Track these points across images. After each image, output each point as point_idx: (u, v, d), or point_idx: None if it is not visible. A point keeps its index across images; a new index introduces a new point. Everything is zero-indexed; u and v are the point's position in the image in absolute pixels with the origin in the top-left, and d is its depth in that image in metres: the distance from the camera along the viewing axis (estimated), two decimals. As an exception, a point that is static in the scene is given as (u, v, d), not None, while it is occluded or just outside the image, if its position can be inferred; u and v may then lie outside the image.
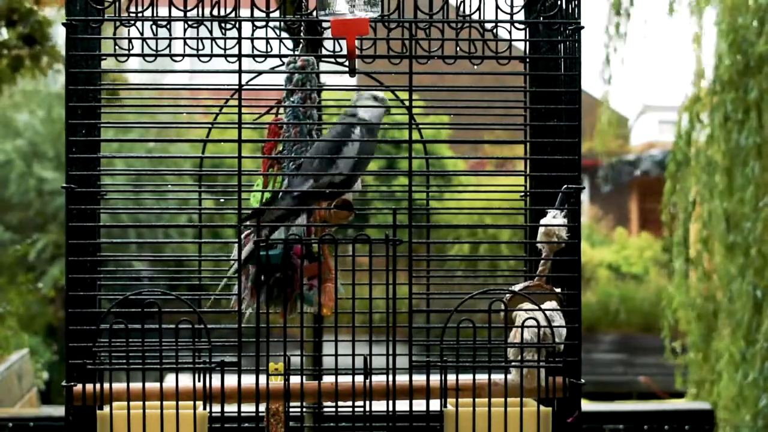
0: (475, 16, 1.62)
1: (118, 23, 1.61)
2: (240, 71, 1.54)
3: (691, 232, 5.83)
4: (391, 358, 1.52)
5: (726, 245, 5.38)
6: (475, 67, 1.67)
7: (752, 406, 4.98)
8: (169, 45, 1.61)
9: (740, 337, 5.16)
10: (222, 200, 1.87)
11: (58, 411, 3.85)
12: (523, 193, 1.75)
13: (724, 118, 5.35)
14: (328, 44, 1.76)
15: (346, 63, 1.60)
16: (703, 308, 5.73)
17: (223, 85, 1.65)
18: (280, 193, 1.65)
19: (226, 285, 1.72)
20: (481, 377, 1.53)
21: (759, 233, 5.10)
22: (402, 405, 1.54)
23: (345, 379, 1.56)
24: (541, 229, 1.61)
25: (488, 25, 1.63)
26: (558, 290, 1.61)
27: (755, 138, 5.15)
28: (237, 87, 1.54)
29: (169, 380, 1.54)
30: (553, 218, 1.60)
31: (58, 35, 4.39)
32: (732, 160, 5.34)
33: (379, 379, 1.55)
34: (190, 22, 1.59)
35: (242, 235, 1.60)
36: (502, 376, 1.54)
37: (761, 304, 5.09)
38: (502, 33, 1.64)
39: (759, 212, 5.11)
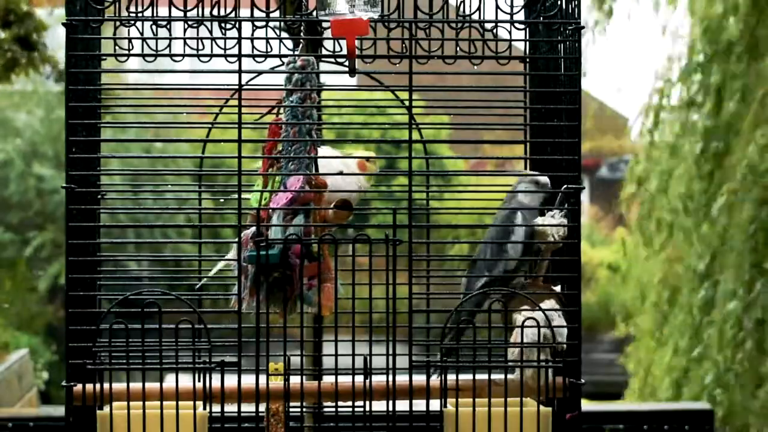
0: (475, 16, 1.62)
1: (118, 23, 1.61)
2: (240, 71, 1.54)
3: (653, 216, 5.91)
4: (391, 358, 1.52)
5: (682, 229, 5.45)
6: (475, 67, 1.67)
7: (698, 384, 5.07)
8: (169, 45, 1.61)
9: (691, 321, 5.24)
10: (222, 200, 1.87)
11: (58, 411, 3.84)
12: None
13: (688, 102, 5.44)
14: (328, 44, 1.76)
15: (346, 63, 1.60)
16: (658, 295, 5.80)
17: (223, 85, 1.65)
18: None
19: (225, 285, 1.72)
20: (481, 377, 1.53)
21: (716, 216, 5.15)
22: (402, 405, 1.54)
23: (345, 379, 1.56)
24: (537, 229, 1.61)
25: (488, 25, 1.63)
26: (557, 290, 1.62)
27: (710, 121, 5.22)
28: (237, 87, 1.54)
29: (169, 380, 1.54)
30: (552, 218, 1.61)
31: (53, 38, 4.39)
32: (690, 143, 5.42)
33: (379, 379, 1.55)
34: (190, 22, 1.59)
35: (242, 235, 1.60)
36: (501, 376, 1.54)
37: (703, 280, 5.16)
38: (502, 33, 1.64)
39: (719, 195, 5.15)
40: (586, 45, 5.97)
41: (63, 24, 1.56)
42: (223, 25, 1.59)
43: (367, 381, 1.55)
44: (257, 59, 1.63)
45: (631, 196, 6.05)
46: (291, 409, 1.63)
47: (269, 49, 1.69)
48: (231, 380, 1.52)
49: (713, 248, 5.19)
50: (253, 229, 1.60)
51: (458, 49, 1.66)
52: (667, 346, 5.57)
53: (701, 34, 5.37)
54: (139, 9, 1.58)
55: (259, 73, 1.65)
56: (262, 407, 1.58)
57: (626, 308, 6.24)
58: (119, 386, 1.51)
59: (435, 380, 1.53)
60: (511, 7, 1.60)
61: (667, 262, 5.81)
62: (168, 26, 1.60)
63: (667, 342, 5.60)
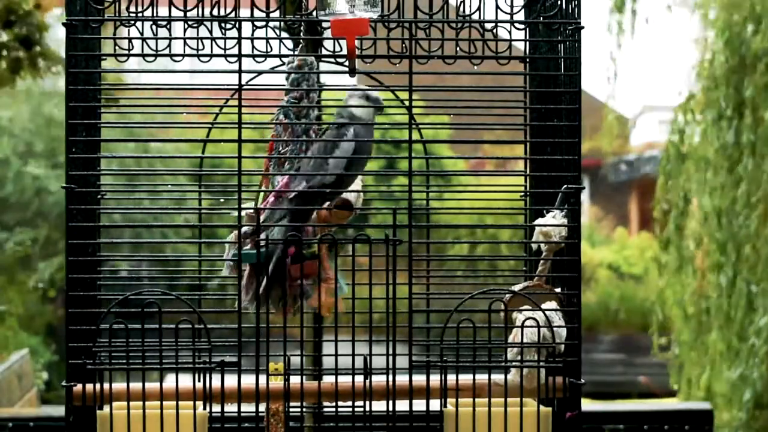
0: (475, 16, 1.62)
1: (118, 23, 1.61)
2: (240, 71, 1.54)
3: (685, 229, 5.86)
4: (391, 358, 1.52)
5: (718, 242, 5.41)
6: (475, 67, 1.67)
7: (738, 401, 5.03)
8: (169, 45, 1.61)
9: (733, 333, 5.19)
10: (222, 200, 1.87)
11: (58, 411, 3.84)
12: (523, 193, 1.75)
13: (718, 116, 5.38)
14: (328, 44, 1.76)
15: (346, 63, 1.60)
16: (696, 306, 5.76)
17: (223, 85, 1.65)
18: (279, 196, 1.65)
19: (223, 285, 1.72)
20: (481, 377, 1.53)
21: (753, 230, 5.11)
22: (402, 405, 1.54)
23: (345, 379, 1.56)
24: (540, 229, 1.61)
25: (488, 25, 1.63)
26: (558, 290, 1.61)
27: (749, 135, 5.17)
28: (237, 87, 1.54)
29: (169, 380, 1.54)
30: (553, 218, 1.60)
31: (55, 37, 4.39)
32: (725, 157, 5.37)
33: (379, 379, 1.55)
34: (190, 22, 1.59)
35: (238, 235, 1.60)
36: (501, 376, 1.54)
37: (753, 301, 5.11)
38: (502, 33, 1.64)
39: (752, 209, 5.12)
40: (617, 47, 5.95)
41: (63, 24, 1.56)
42: (223, 25, 1.59)
43: (367, 381, 1.55)
44: (257, 59, 1.63)
45: (664, 210, 6.00)
46: (291, 409, 1.63)
47: (269, 49, 1.69)
48: (231, 380, 1.52)
49: (747, 261, 5.15)
50: (245, 228, 1.61)
51: (458, 49, 1.66)
52: (708, 360, 5.54)
53: (723, 45, 5.33)
54: (139, 9, 1.58)
55: (259, 73, 1.65)
56: (262, 407, 1.58)
57: (662, 322, 6.20)
58: (119, 386, 1.51)
59: (435, 380, 1.53)
60: (511, 7, 1.60)
61: (700, 273, 5.77)
62: (168, 26, 1.60)
63: (709, 356, 5.56)
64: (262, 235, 1.58)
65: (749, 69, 5.18)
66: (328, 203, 1.64)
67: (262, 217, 1.61)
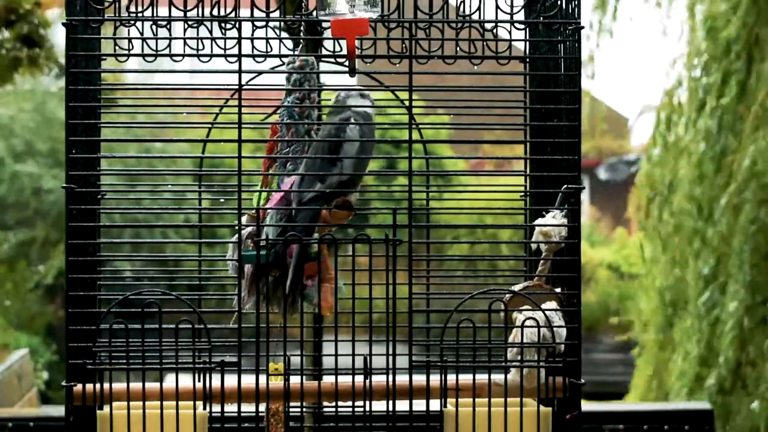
0: (475, 16, 1.62)
1: (118, 23, 1.61)
2: (240, 71, 1.54)
3: (665, 219, 5.90)
4: (391, 358, 1.52)
5: (690, 231, 5.45)
6: (475, 67, 1.67)
7: (700, 388, 5.07)
8: (169, 45, 1.61)
9: (701, 321, 5.24)
10: (222, 200, 1.87)
11: (58, 411, 3.84)
12: (523, 193, 1.75)
13: (699, 105, 5.42)
14: (328, 44, 1.76)
15: (346, 63, 1.60)
16: (670, 296, 5.80)
17: (223, 85, 1.65)
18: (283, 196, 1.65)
19: (223, 285, 1.72)
20: (481, 377, 1.53)
21: (719, 217, 5.14)
22: (402, 405, 1.54)
23: (345, 379, 1.56)
24: (540, 229, 1.61)
25: (488, 25, 1.63)
26: (558, 290, 1.61)
27: (708, 122, 5.21)
28: (237, 87, 1.54)
29: (169, 380, 1.54)
30: (553, 218, 1.60)
31: (57, 36, 4.40)
32: (703, 146, 5.41)
33: (379, 379, 1.55)
34: (190, 22, 1.59)
35: (241, 235, 1.60)
36: (501, 376, 1.54)
37: (708, 282, 5.15)
38: (502, 33, 1.64)
39: (722, 197, 5.14)
40: (595, 46, 5.97)
41: (63, 24, 1.56)
42: (223, 25, 1.59)
43: (367, 381, 1.55)
44: (257, 59, 1.63)
45: (645, 200, 6.03)
46: (291, 409, 1.63)
47: (269, 49, 1.69)
48: (231, 380, 1.52)
49: (717, 250, 5.19)
50: (249, 229, 1.61)
51: (458, 49, 1.66)
52: (676, 350, 5.59)
53: (705, 35, 5.37)
54: (139, 9, 1.58)
55: (259, 73, 1.65)
56: (262, 407, 1.58)
57: (641, 314, 6.24)
58: (119, 386, 1.51)
59: (435, 380, 1.53)
60: (511, 7, 1.60)
61: (672, 264, 5.81)
62: (168, 26, 1.60)
63: (676, 345, 5.61)
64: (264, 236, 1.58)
65: (722, 57, 5.22)
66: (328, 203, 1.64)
67: (268, 218, 1.61)
